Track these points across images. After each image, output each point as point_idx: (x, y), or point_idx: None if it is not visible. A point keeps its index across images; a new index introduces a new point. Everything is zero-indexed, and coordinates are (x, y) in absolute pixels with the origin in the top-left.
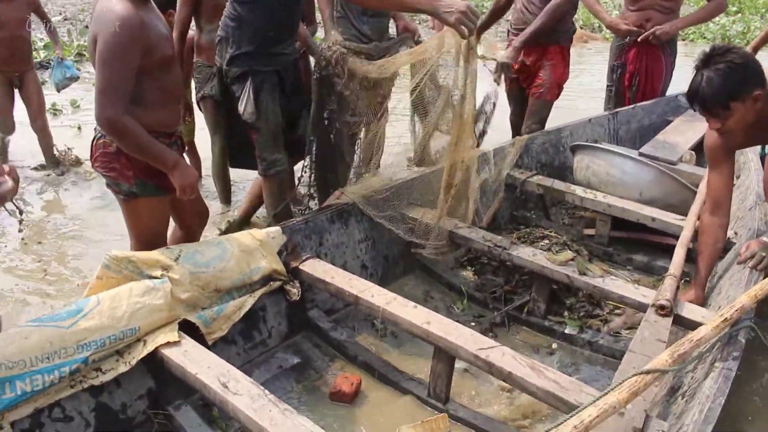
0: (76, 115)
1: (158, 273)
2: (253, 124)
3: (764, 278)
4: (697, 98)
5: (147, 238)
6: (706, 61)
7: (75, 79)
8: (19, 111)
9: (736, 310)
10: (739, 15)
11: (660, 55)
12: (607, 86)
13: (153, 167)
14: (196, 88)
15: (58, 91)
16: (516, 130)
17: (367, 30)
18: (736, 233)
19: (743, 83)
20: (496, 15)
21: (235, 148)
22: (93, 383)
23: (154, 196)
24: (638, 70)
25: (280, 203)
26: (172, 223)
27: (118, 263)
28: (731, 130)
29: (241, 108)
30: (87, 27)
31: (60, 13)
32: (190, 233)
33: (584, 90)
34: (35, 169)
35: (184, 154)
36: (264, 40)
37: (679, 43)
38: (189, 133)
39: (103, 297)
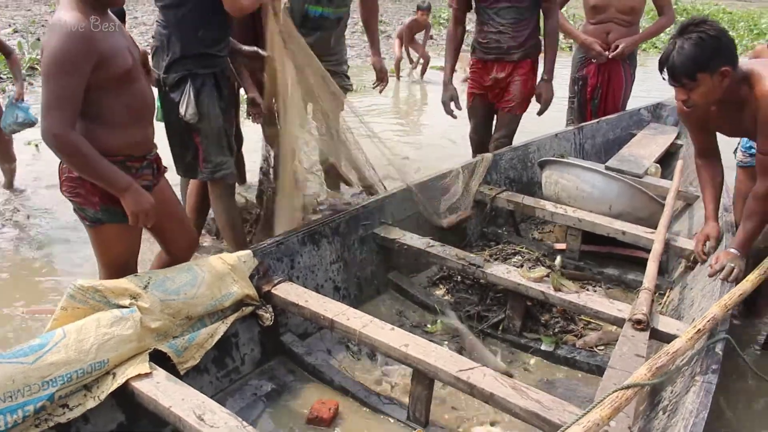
0: (33, 132)
1: (127, 302)
2: (195, 126)
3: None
4: (667, 65)
5: (116, 266)
6: (681, 31)
7: (29, 124)
8: None
9: (709, 321)
10: None
11: (620, 67)
12: (569, 98)
13: None
14: None
15: (6, 133)
16: (478, 147)
17: (308, 42)
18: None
19: (712, 55)
20: None
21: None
22: (60, 421)
23: (121, 223)
24: (600, 83)
25: (230, 208)
26: (156, 247)
27: (84, 293)
28: (696, 103)
29: (182, 110)
30: (39, 39)
31: (9, 25)
32: (177, 260)
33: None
34: None
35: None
36: (197, 43)
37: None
38: None
39: (68, 329)
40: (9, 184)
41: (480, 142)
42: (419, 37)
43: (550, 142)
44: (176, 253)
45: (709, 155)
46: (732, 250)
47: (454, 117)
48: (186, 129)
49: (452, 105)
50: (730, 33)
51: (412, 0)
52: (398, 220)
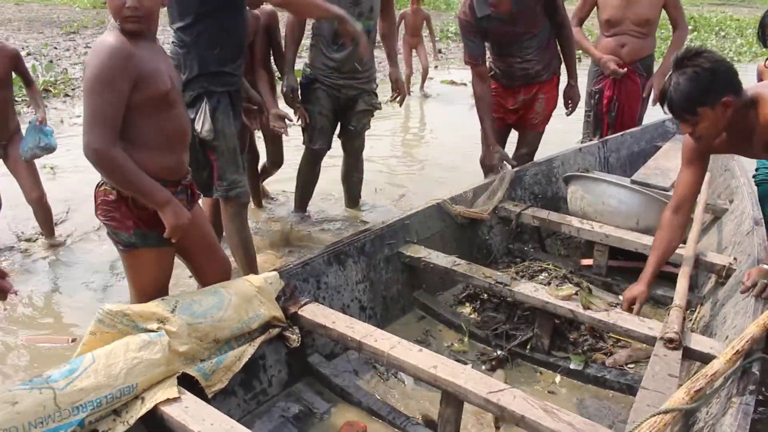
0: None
1: (155, 326)
2: (210, 144)
3: None
4: (666, 103)
5: (148, 291)
6: (677, 65)
7: (50, 150)
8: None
9: (747, 342)
10: (695, 33)
11: (637, 79)
12: (585, 111)
13: (154, 218)
14: None
15: (25, 160)
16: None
17: (338, 58)
18: (735, 259)
19: (710, 89)
20: None
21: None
22: None
23: (155, 248)
24: (617, 95)
25: (242, 229)
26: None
27: (113, 317)
28: (702, 135)
29: (198, 127)
30: (51, 62)
31: (23, 48)
32: None
33: (558, 112)
34: (26, 240)
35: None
36: (213, 61)
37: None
38: None
39: (98, 354)
40: (50, 232)
41: (490, 169)
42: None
43: (574, 157)
44: (208, 282)
45: (685, 203)
46: (765, 266)
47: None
48: (201, 146)
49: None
50: (738, 40)
51: None
52: (423, 239)
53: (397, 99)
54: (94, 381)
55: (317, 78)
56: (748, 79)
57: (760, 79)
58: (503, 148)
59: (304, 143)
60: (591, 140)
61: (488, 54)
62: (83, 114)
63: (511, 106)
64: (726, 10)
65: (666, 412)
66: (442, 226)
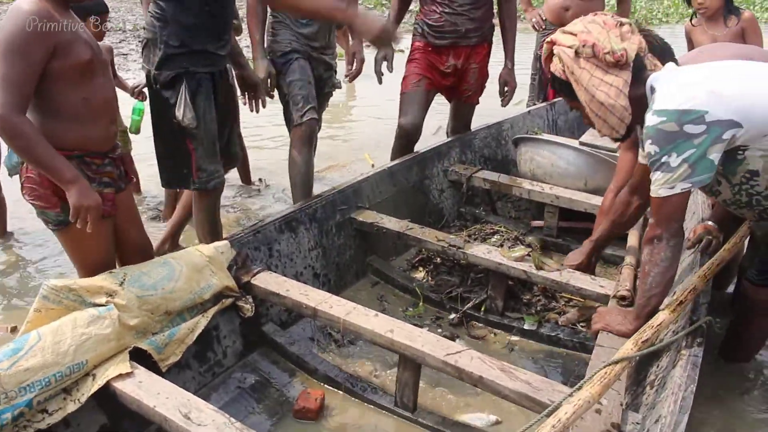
0: None
1: (103, 300)
2: (190, 132)
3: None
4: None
5: (92, 265)
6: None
7: None
8: None
9: (690, 292)
10: None
11: None
12: (531, 75)
13: None
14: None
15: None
16: (408, 144)
17: (311, 32)
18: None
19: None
20: None
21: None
22: (40, 427)
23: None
24: None
25: (215, 220)
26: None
27: (57, 293)
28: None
29: (179, 113)
30: None
31: None
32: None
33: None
34: None
35: None
36: (196, 37)
37: None
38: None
39: (44, 331)
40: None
41: (414, 134)
42: None
43: (523, 119)
44: (126, 259)
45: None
46: (709, 223)
47: (380, 82)
48: (179, 133)
49: (384, 65)
50: (666, 2)
51: None
52: (375, 204)
53: (350, 75)
54: (41, 360)
55: (294, 49)
56: (678, 41)
57: (689, 37)
58: (425, 114)
59: (291, 125)
60: (535, 104)
61: (423, 5)
62: None
63: (443, 67)
64: None
65: (615, 362)
66: (393, 191)
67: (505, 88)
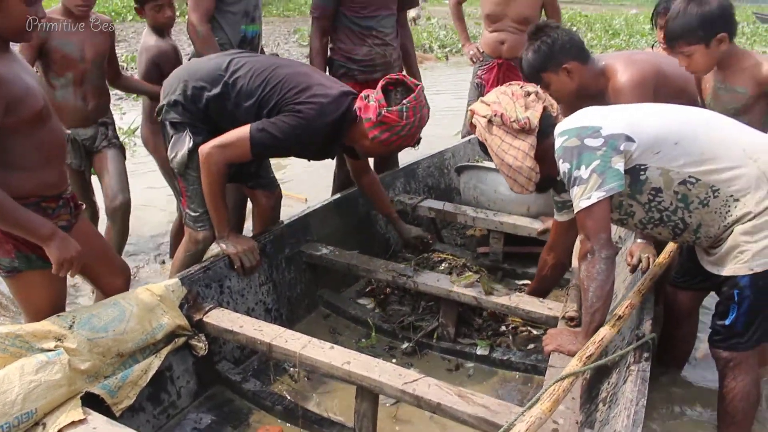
0: None
1: (52, 344)
2: (182, 172)
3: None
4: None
5: (43, 313)
6: (528, 40)
7: None
8: None
9: (627, 307)
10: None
11: (519, 73)
12: (468, 101)
13: None
14: None
15: None
16: (344, 183)
17: None
18: (620, 237)
19: (550, 57)
20: None
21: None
22: None
23: (42, 269)
24: None
25: (191, 259)
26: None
27: (3, 340)
28: (557, 99)
29: (170, 153)
30: None
31: None
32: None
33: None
34: None
35: None
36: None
37: None
38: None
39: None
40: None
41: (349, 179)
42: None
43: (464, 148)
44: (110, 292)
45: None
46: (640, 241)
47: None
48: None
49: None
50: (588, 34)
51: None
52: (323, 236)
53: None
54: None
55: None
56: None
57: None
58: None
59: None
60: (470, 133)
61: (340, 44)
62: None
63: None
64: (575, 7)
65: (563, 378)
66: (341, 223)
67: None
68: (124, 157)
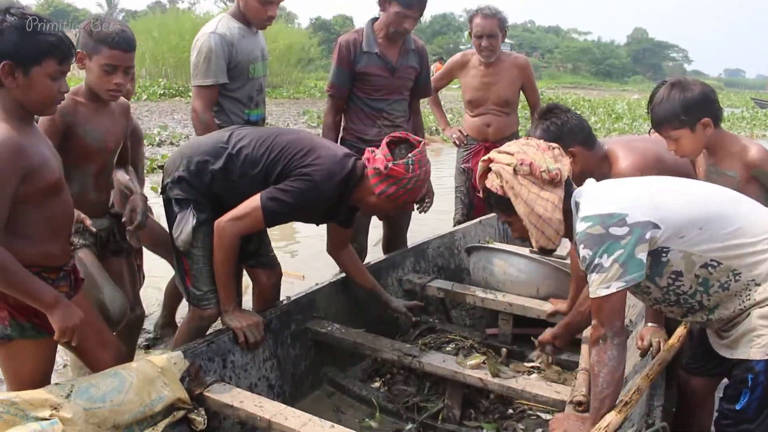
0: None
1: (47, 413)
2: (185, 252)
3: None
4: None
5: (28, 385)
6: (538, 119)
7: None
8: None
9: (634, 392)
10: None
11: None
12: (456, 187)
13: (32, 307)
14: None
15: None
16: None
17: None
18: (630, 320)
19: (557, 140)
20: None
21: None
22: None
23: (34, 339)
24: None
25: (195, 336)
26: None
27: None
28: None
29: (175, 233)
30: None
31: None
32: None
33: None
34: None
35: None
36: (221, 204)
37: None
38: None
39: None
40: None
41: (360, 252)
42: None
43: (475, 229)
44: (97, 367)
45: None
46: (650, 324)
47: None
48: (176, 249)
49: None
50: (592, 118)
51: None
52: (330, 313)
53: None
54: None
55: None
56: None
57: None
58: (367, 238)
59: None
60: (464, 216)
61: (351, 124)
62: None
63: None
64: (578, 92)
65: None
66: (348, 301)
67: (426, 198)
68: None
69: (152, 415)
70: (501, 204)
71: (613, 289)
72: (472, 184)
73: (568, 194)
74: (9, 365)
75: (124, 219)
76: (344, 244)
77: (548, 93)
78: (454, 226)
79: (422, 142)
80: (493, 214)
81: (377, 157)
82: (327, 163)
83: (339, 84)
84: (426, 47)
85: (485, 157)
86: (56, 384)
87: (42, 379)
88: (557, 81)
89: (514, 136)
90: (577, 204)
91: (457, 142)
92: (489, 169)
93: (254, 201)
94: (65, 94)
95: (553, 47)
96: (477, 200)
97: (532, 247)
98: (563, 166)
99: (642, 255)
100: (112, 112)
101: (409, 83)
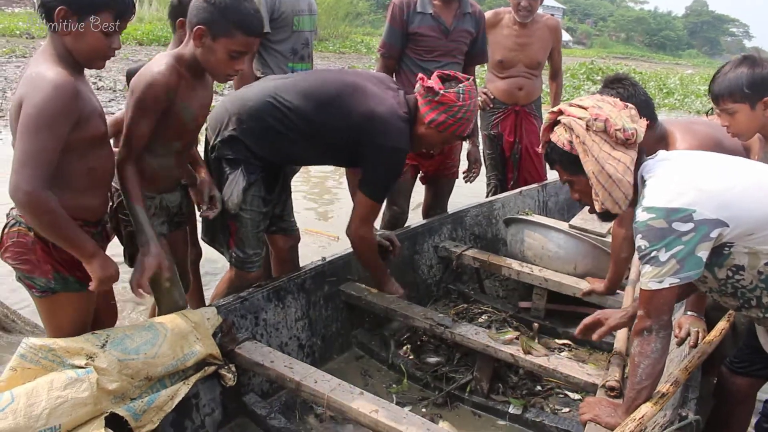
0: None
1: (83, 362)
2: (235, 215)
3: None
4: None
5: (69, 336)
6: (604, 85)
7: None
8: None
9: (672, 385)
10: None
11: (533, 119)
12: (488, 154)
13: (75, 259)
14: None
15: None
16: (396, 222)
17: None
18: None
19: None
20: None
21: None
22: None
23: (76, 292)
24: (518, 137)
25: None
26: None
27: (36, 352)
28: None
29: (226, 195)
30: None
31: None
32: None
33: None
34: None
35: None
36: (272, 152)
37: None
38: None
39: (18, 393)
40: None
41: (402, 221)
42: None
43: (515, 200)
44: (96, 325)
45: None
46: (690, 313)
47: None
48: (224, 212)
49: None
50: None
51: None
52: (364, 277)
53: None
54: (13, 423)
55: None
56: None
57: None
58: (408, 202)
59: None
60: (499, 182)
61: (405, 85)
62: (16, 154)
63: (430, 151)
64: (630, 64)
65: None
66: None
67: (474, 166)
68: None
69: (184, 369)
70: (566, 160)
71: (665, 284)
72: (502, 150)
73: (639, 160)
74: (51, 318)
75: (204, 209)
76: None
77: (599, 62)
78: (487, 196)
79: (470, 78)
80: (533, 185)
81: (430, 84)
82: (392, 120)
83: (391, 44)
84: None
85: (554, 109)
86: (92, 333)
87: (82, 330)
88: (608, 50)
89: (539, 99)
90: (643, 180)
91: (482, 106)
92: (556, 122)
93: (362, 199)
94: (166, 71)
95: (607, 15)
96: (509, 167)
97: (593, 210)
98: (639, 127)
99: (703, 253)
100: (206, 84)
101: (463, 47)
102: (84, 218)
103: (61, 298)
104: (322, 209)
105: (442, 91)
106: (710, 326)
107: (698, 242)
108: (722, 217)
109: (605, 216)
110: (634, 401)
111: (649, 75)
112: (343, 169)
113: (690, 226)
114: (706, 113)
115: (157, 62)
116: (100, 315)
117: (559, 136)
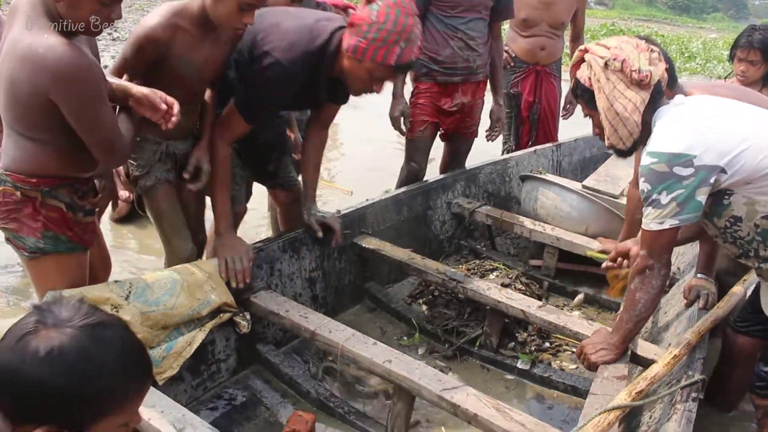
0: None
1: (108, 311)
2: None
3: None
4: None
5: None
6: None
7: None
8: None
9: (684, 347)
10: None
11: (552, 80)
12: (506, 113)
13: (66, 218)
14: (131, 172)
15: None
16: (413, 179)
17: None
18: (678, 268)
19: None
20: None
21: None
22: None
23: (67, 253)
24: (538, 97)
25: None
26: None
27: None
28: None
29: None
30: None
31: None
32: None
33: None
34: None
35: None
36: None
37: None
38: None
39: None
40: None
41: (420, 177)
42: None
43: (529, 158)
44: (95, 277)
45: None
46: (700, 275)
47: (403, 134)
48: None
49: (402, 122)
50: None
51: None
52: (378, 231)
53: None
54: None
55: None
56: None
57: None
58: (426, 159)
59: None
60: (513, 142)
61: (425, 43)
62: (92, 140)
63: (447, 107)
64: (651, 26)
65: (609, 410)
66: (396, 219)
67: (497, 124)
68: None
69: (199, 317)
70: (585, 96)
71: (666, 226)
72: (520, 110)
73: (655, 102)
74: (43, 281)
75: (185, 174)
76: (322, 124)
77: (620, 24)
78: (503, 154)
79: None
80: (547, 144)
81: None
82: (290, 36)
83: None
84: None
85: (582, 47)
86: (116, 282)
87: None
88: (631, 12)
89: (560, 60)
90: (655, 124)
91: (505, 66)
92: (583, 60)
93: (230, 105)
94: (157, 25)
95: None
96: (525, 128)
97: (608, 142)
98: (656, 69)
99: (702, 197)
100: (218, 39)
101: (488, 2)
102: (79, 174)
103: (51, 260)
104: (336, 163)
105: (351, 11)
106: (722, 292)
107: (697, 186)
108: (721, 164)
109: (618, 152)
110: (631, 332)
111: (671, 38)
112: (352, 123)
113: (690, 171)
114: (725, 77)
115: (153, 15)
116: (94, 269)
117: (582, 73)
